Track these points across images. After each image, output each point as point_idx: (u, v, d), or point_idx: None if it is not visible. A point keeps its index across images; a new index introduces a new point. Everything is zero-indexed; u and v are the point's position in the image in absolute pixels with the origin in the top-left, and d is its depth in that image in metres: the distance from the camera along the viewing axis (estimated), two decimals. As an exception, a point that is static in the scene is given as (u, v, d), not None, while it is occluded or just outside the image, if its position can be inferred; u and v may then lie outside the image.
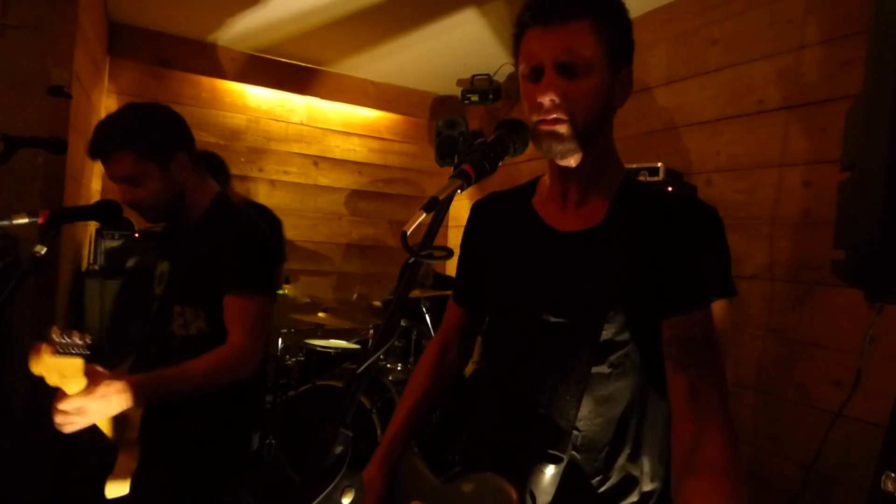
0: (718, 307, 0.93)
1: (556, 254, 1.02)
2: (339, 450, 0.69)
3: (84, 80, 2.53)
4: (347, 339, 3.42)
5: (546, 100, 0.92)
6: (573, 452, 0.96)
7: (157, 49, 3.48)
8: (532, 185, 1.15)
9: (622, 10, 0.96)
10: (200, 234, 1.53)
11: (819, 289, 1.96)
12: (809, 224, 2.02)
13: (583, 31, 0.90)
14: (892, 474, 1.13)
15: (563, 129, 0.93)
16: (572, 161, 0.98)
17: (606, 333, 0.95)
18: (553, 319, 0.98)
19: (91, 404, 1.15)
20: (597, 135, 0.97)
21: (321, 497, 0.66)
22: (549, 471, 0.93)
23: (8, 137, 1.86)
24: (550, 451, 0.93)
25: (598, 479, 0.97)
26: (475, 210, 1.21)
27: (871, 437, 1.67)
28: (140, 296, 2.76)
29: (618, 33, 0.95)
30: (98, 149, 1.43)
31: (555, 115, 0.92)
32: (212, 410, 1.49)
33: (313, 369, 3.02)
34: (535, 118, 0.95)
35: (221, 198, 1.62)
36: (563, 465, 0.93)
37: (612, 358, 0.96)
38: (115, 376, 1.20)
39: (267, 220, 1.72)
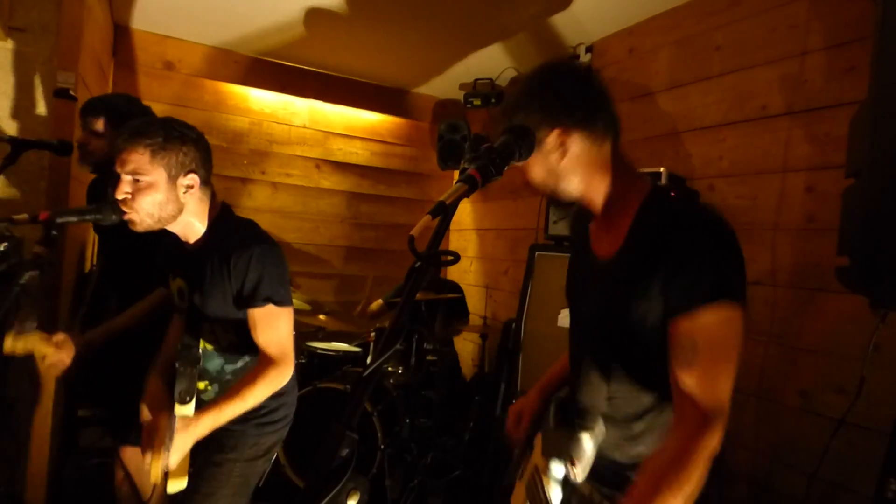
0: (724, 311, 0.93)
1: (590, 282, 1.16)
2: (344, 452, 0.69)
3: (89, 82, 2.54)
4: (349, 342, 3.42)
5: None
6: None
7: (160, 52, 3.49)
8: None
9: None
10: (209, 252, 1.54)
11: (822, 295, 1.96)
12: (812, 230, 2.02)
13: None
14: (896, 481, 1.13)
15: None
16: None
17: (617, 369, 1.07)
18: (586, 342, 1.17)
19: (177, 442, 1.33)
20: (561, 192, 1.09)
21: (327, 499, 0.66)
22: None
23: (14, 140, 1.88)
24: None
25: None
26: (573, 221, 1.35)
27: (874, 444, 1.67)
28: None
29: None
30: (129, 133, 1.44)
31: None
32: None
33: (315, 372, 3.01)
34: None
35: (226, 212, 1.62)
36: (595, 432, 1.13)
37: (628, 385, 1.08)
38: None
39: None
